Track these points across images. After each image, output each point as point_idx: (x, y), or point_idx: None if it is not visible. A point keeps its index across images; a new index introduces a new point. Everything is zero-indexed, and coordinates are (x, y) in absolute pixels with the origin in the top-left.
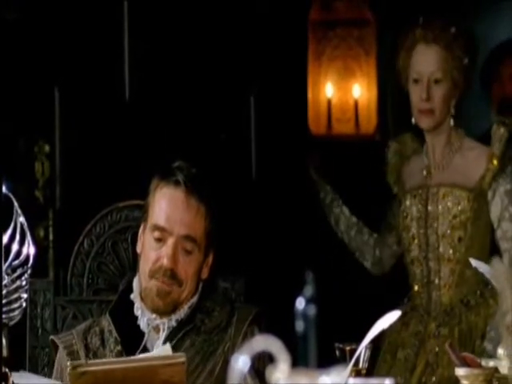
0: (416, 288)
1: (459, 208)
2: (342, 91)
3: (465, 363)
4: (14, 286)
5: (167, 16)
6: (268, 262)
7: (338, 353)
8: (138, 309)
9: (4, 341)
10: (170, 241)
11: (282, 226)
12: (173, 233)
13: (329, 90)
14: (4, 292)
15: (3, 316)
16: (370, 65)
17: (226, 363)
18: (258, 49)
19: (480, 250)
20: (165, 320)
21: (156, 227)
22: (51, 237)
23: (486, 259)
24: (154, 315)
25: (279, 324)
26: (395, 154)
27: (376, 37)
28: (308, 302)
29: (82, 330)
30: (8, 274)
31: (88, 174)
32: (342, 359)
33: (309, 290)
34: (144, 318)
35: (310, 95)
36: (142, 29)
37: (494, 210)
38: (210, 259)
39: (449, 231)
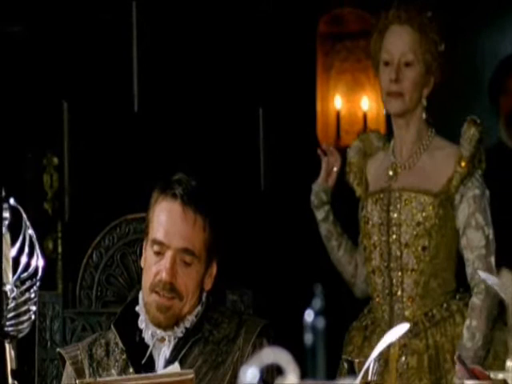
0: (377, 299)
1: (423, 215)
2: (351, 103)
3: (474, 376)
4: (23, 298)
5: (176, 28)
6: (276, 274)
7: (346, 366)
8: (143, 321)
9: (13, 353)
10: (168, 254)
11: (291, 238)
12: (170, 246)
13: (337, 102)
14: (13, 305)
15: (12, 328)
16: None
17: (235, 374)
18: (266, 61)
19: (446, 260)
20: (170, 333)
21: (155, 241)
22: (60, 249)
23: (453, 269)
24: (157, 330)
25: (288, 336)
26: (357, 152)
27: None
28: (316, 314)
29: (87, 342)
30: (17, 287)
31: (97, 186)
32: (351, 372)
33: (317, 302)
34: (148, 330)
35: (318, 107)
36: (151, 41)
37: (461, 216)
38: (214, 270)
39: (412, 239)
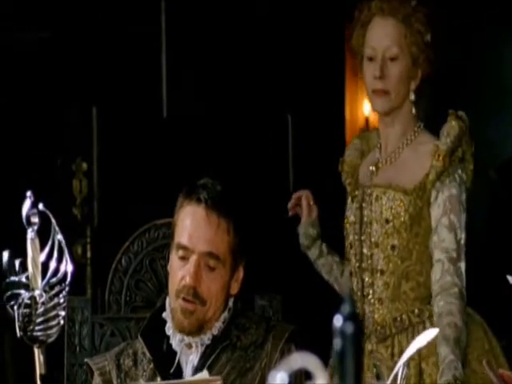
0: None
1: (392, 212)
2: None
3: (502, 381)
4: (52, 303)
5: (205, 34)
6: (306, 279)
7: (375, 370)
8: (170, 328)
9: (42, 358)
10: (193, 258)
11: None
12: (195, 250)
13: (366, 107)
14: (42, 310)
15: (41, 334)
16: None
17: (263, 380)
18: (295, 66)
19: (421, 262)
20: (197, 339)
21: (179, 246)
22: (89, 254)
23: (429, 271)
24: (184, 336)
25: (316, 342)
26: (354, 150)
27: None
28: (345, 319)
29: (115, 352)
30: (46, 292)
31: (125, 191)
32: (380, 377)
33: (346, 307)
34: (175, 336)
35: (347, 112)
36: (180, 46)
37: (434, 214)
38: (240, 274)
39: (381, 238)
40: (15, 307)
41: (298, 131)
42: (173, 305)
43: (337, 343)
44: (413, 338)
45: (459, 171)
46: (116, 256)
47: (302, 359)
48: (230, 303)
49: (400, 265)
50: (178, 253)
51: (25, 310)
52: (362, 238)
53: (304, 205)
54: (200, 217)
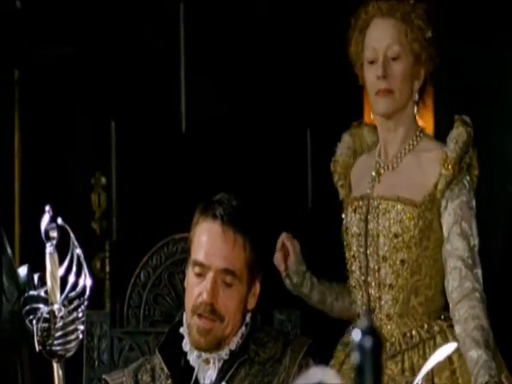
0: (358, 315)
1: (401, 226)
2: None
3: None
4: (71, 317)
5: (225, 49)
6: None
7: None
8: (187, 344)
9: (61, 372)
10: (209, 275)
11: (339, 258)
12: (211, 267)
13: None
14: (61, 324)
15: (59, 348)
16: (427, 98)
17: None
18: (314, 81)
19: (430, 276)
20: (215, 355)
21: (196, 262)
22: (108, 268)
23: (438, 286)
24: (200, 352)
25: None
26: (346, 149)
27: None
28: (364, 333)
29: (133, 368)
30: (65, 306)
31: (144, 205)
32: None
33: (365, 322)
34: (193, 352)
35: None
36: (199, 61)
37: (445, 223)
38: (257, 289)
39: (389, 252)
40: (34, 321)
41: (317, 145)
42: (189, 321)
43: (356, 357)
44: (424, 354)
45: (467, 177)
46: (135, 270)
47: (319, 373)
48: (248, 318)
49: (409, 279)
50: (194, 269)
51: (43, 325)
52: (368, 251)
53: (289, 245)
54: (216, 233)
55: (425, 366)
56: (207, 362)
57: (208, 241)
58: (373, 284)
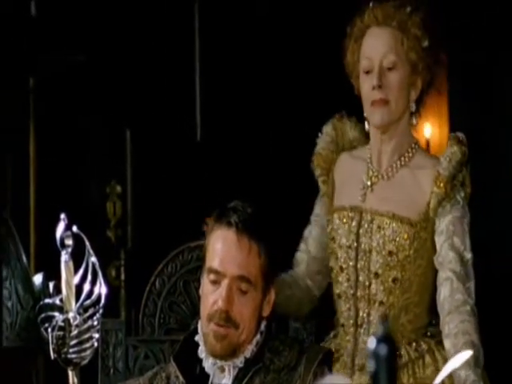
0: (343, 328)
1: (396, 244)
2: (414, 130)
3: None
4: (86, 325)
5: (240, 58)
6: None
7: None
8: (203, 351)
9: (76, 381)
10: (225, 283)
11: None
12: (226, 274)
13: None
14: (76, 332)
15: (75, 356)
16: (441, 104)
17: None
18: (333, 86)
19: (420, 294)
20: (229, 362)
21: (211, 270)
22: (123, 276)
23: (426, 303)
24: (215, 359)
25: None
26: (330, 143)
27: (447, 76)
28: (379, 341)
29: (148, 376)
30: (80, 314)
31: (159, 213)
32: None
33: (380, 329)
34: (208, 360)
35: None
36: (214, 70)
37: (438, 240)
38: (272, 297)
39: (382, 270)
40: (49, 329)
41: None
42: (205, 329)
43: (371, 365)
44: (414, 373)
45: (461, 193)
46: (150, 278)
47: (334, 381)
48: (263, 326)
49: (400, 297)
50: (209, 277)
51: (59, 333)
52: (359, 265)
53: None
54: (231, 240)
55: (440, 375)
56: (222, 369)
57: (223, 248)
58: (362, 299)
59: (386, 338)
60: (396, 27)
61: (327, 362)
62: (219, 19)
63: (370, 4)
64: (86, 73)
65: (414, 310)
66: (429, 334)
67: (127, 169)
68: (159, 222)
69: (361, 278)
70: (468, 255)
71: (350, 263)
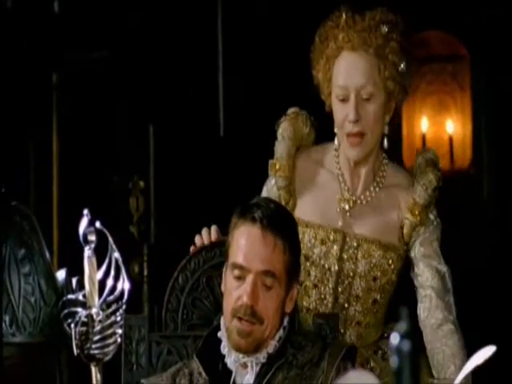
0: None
1: (381, 269)
2: (437, 126)
3: None
4: (109, 321)
5: (262, 53)
6: None
7: None
8: (225, 347)
9: (99, 376)
10: (249, 278)
11: None
12: (251, 269)
13: (423, 124)
14: (99, 328)
15: (98, 352)
16: (464, 100)
17: None
18: None
19: (386, 308)
20: (252, 358)
21: (235, 265)
22: (146, 272)
23: (386, 306)
24: (239, 355)
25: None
26: (289, 147)
27: (471, 72)
28: (402, 337)
29: (171, 372)
30: (103, 310)
31: (182, 209)
32: None
33: (403, 325)
34: (231, 355)
35: (404, 130)
36: (237, 66)
37: (413, 259)
38: (295, 293)
39: (364, 293)
40: (72, 325)
41: None
42: (228, 325)
43: (394, 361)
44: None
45: (433, 212)
46: (173, 274)
47: (358, 377)
48: (285, 321)
49: (377, 315)
50: (233, 272)
51: (82, 328)
52: (340, 289)
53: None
54: (255, 236)
55: (462, 371)
56: (245, 366)
57: (247, 244)
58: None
59: (410, 334)
60: (373, 53)
61: (350, 358)
62: (242, 17)
63: (343, 14)
64: (109, 69)
65: (380, 323)
66: (385, 335)
67: (150, 164)
68: (182, 217)
69: (340, 301)
70: (443, 268)
71: (329, 285)
